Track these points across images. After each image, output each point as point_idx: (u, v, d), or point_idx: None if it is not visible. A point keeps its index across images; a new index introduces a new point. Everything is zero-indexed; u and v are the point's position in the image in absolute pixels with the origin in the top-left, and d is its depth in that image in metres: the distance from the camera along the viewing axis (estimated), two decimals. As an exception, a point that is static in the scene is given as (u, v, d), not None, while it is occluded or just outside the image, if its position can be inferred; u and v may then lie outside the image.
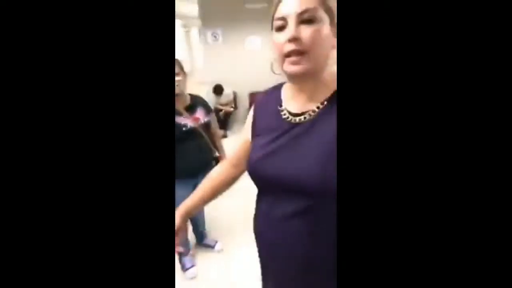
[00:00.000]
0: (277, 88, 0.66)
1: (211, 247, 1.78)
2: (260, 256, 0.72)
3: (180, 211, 0.74)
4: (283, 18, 0.51)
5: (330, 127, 0.53)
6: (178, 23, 3.90)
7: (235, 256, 1.73)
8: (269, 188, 0.62)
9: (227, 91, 4.19)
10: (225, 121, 4.27)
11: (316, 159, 0.53)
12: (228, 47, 4.26)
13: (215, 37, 4.09)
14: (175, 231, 0.72)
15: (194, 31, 4.67)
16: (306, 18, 0.50)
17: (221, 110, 4.22)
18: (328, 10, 0.51)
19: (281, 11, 0.52)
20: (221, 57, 4.28)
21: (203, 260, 1.72)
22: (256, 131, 0.66)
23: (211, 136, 1.50)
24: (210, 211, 2.00)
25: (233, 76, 4.34)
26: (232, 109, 4.32)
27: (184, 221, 0.74)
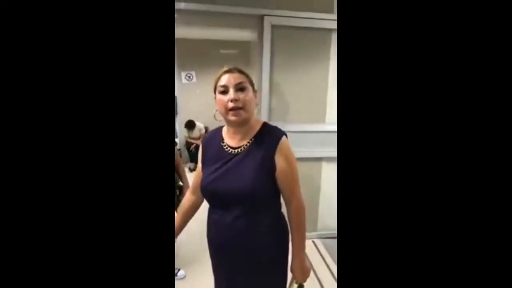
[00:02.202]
0: (219, 129, 0.93)
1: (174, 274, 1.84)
2: (212, 257, 0.91)
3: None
4: (225, 86, 0.81)
5: (256, 155, 0.81)
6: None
7: (199, 282, 1.79)
8: (217, 202, 0.86)
9: (199, 126, 4.40)
10: (196, 154, 4.40)
11: (248, 177, 0.79)
12: (202, 87, 4.60)
13: (189, 77, 4.43)
14: None
15: (170, 71, 4.97)
16: (239, 87, 0.80)
17: (192, 143, 4.38)
18: (250, 83, 0.84)
19: (223, 81, 0.82)
20: (194, 95, 4.58)
21: None
22: (205, 162, 0.90)
23: (176, 166, 1.68)
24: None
25: (206, 112, 4.60)
26: (203, 143, 4.48)
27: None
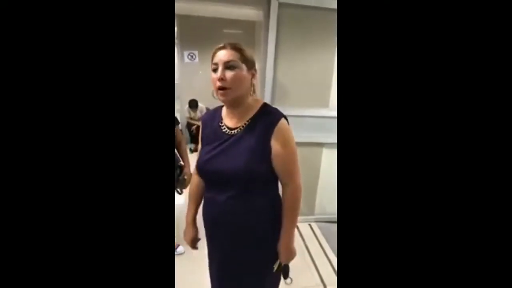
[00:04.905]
0: (219, 109, 0.91)
1: (173, 250, 1.91)
2: (206, 234, 0.94)
3: (189, 223, 0.98)
4: (216, 64, 0.79)
5: (252, 137, 0.81)
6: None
7: (197, 257, 1.86)
8: (212, 181, 0.87)
9: (201, 107, 4.37)
10: (197, 135, 4.40)
11: (242, 159, 0.79)
12: (204, 67, 4.52)
13: (191, 57, 4.34)
14: (192, 238, 0.98)
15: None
16: (228, 65, 0.77)
17: (193, 125, 4.37)
18: (245, 61, 0.79)
19: (215, 59, 0.79)
20: (196, 76, 4.51)
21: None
22: (203, 141, 0.90)
23: (177, 146, 1.68)
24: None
25: (207, 93, 4.55)
26: (204, 124, 4.47)
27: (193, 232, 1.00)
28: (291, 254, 0.91)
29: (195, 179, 0.99)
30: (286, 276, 0.96)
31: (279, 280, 0.99)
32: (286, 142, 0.80)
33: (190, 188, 1.01)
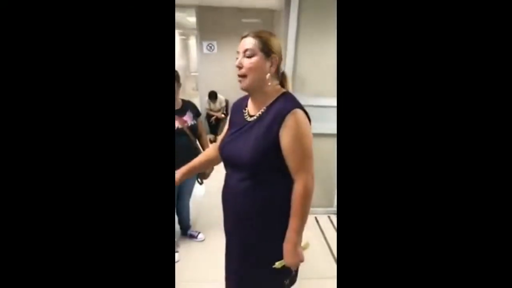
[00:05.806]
0: (247, 96, 0.93)
1: (194, 237, 1.98)
2: (223, 214, 0.97)
3: (181, 169, 1.01)
4: (238, 52, 0.82)
5: (262, 126, 0.81)
6: (177, 32, 4.14)
7: (216, 245, 1.92)
8: (227, 164, 0.91)
9: (221, 98, 4.41)
10: (216, 126, 4.47)
11: (249, 147, 0.81)
12: (223, 57, 4.52)
13: (210, 47, 4.35)
14: (176, 180, 0.99)
15: (192, 40, 4.90)
16: (247, 54, 0.80)
17: (212, 116, 4.43)
18: (262, 50, 0.80)
19: (238, 48, 0.82)
20: (215, 67, 4.52)
21: (187, 248, 1.91)
22: (230, 125, 0.94)
23: (198, 137, 1.71)
24: (195, 207, 2.20)
25: (226, 84, 4.57)
26: (223, 115, 4.52)
27: (182, 176, 1.01)
28: (296, 258, 0.83)
29: (209, 151, 1.06)
30: (291, 284, 0.91)
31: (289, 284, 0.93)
32: (296, 136, 0.76)
33: (201, 155, 1.08)
